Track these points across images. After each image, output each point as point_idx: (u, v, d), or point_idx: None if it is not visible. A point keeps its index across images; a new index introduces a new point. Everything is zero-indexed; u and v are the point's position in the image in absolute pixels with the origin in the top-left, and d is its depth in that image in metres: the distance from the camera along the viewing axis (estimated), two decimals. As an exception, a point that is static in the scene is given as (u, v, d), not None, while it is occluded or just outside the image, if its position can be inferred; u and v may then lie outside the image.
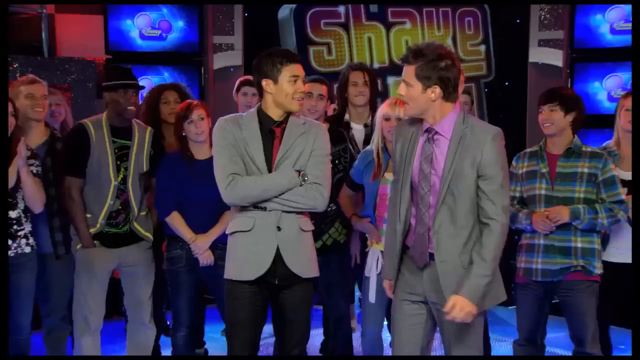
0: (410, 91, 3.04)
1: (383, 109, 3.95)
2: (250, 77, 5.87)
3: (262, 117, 3.38)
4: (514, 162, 3.97)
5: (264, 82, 3.33)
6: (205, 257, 4.03)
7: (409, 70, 3.03)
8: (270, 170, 3.30)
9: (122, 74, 4.10)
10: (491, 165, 2.98)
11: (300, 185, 3.27)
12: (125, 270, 4.15)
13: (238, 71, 7.47)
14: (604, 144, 4.24)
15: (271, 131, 3.35)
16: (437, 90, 3.01)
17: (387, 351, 4.34)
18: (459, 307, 2.96)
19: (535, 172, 3.85)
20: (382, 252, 3.87)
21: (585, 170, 3.74)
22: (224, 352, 4.69)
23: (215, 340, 5.22)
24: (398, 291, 3.24)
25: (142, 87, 4.21)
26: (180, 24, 7.23)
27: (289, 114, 3.39)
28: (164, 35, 7.23)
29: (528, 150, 3.98)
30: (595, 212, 3.68)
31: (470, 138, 3.00)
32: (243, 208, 3.32)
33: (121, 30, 7.17)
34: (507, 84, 7.61)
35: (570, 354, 4.04)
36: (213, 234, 4.02)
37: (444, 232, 3.04)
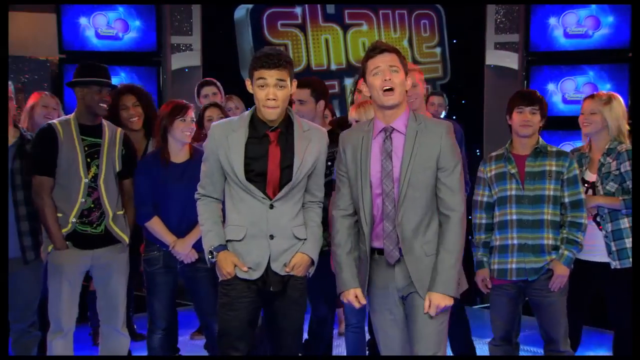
0: (398, 76, 3.13)
1: (351, 114, 4.01)
2: (208, 78, 5.87)
3: (255, 121, 3.29)
4: (480, 167, 4.03)
5: (247, 83, 3.28)
6: (189, 258, 3.99)
7: (392, 57, 3.15)
8: (246, 177, 3.21)
9: (98, 70, 4.01)
10: (450, 157, 3.12)
11: (211, 258, 3.30)
12: (99, 273, 4.06)
13: (196, 72, 7.39)
14: (576, 147, 4.35)
15: (265, 136, 3.26)
16: (409, 79, 3.20)
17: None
18: (435, 304, 3.09)
19: (504, 173, 3.91)
20: None
21: (554, 168, 3.84)
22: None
23: (184, 344, 5.14)
24: (373, 298, 3.27)
25: (115, 87, 4.11)
26: (137, 23, 7.10)
27: (286, 118, 3.30)
28: (120, 34, 7.10)
29: (493, 154, 4.04)
30: (574, 245, 3.80)
31: (425, 133, 3.13)
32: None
33: (76, 29, 7.00)
34: (459, 85, 7.70)
35: (541, 351, 4.10)
36: (191, 237, 3.97)
37: (407, 224, 3.13)
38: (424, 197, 3.13)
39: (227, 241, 3.30)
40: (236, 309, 3.26)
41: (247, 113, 3.34)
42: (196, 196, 3.41)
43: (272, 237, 3.25)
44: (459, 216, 3.12)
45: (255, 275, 3.26)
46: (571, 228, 3.82)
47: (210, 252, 3.29)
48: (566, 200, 3.83)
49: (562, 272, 3.78)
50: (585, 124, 4.17)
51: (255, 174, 3.24)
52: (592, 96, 4.25)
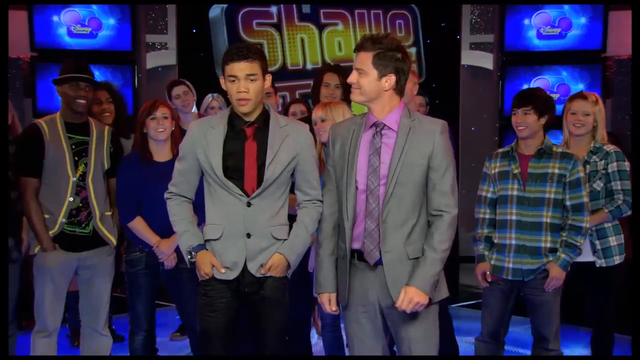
0: (364, 79, 3.03)
1: (317, 112, 3.99)
2: (177, 79, 5.83)
3: (233, 116, 3.27)
4: (486, 162, 4.01)
5: (221, 80, 3.25)
6: (170, 260, 3.96)
7: (364, 57, 3.01)
8: (225, 174, 3.18)
9: (74, 67, 3.97)
10: (442, 156, 3.01)
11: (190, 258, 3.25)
12: (84, 273, 4.00)
13: (171, 70, 7.34)
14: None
15: (242, 131, 3.23)
16: (392, 79, 3.03)
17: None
18: (409, 297, 2.95)
19: (507, 172, 3.90)
20: None
21: (556, 171, 3.81)
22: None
23: (164, 345, 5.10)
24: (351, 306, 3.15)
25: (97, 83, 4.07)
26: (112, 21, 7.03)
27: (264, 113, 3.28)
28: (94, 33, 7.02)
29: (500, 150, 4.02)
30: (572, 249, 3.80)
31: (419, 130, 3.02)
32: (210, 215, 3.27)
33: (48, 27, 6.92)
34: (434, 85, 7.72)
35: (525, 351, 4.11)
36: (176, 237, 3.93)
37: (391, 222, 3.02)
38: (412, 196, 3.03)
39: (206, 241, 3.27)
40: (216, 309, 3.24)
41: (227, 110, 3.33)
42: (167, 195, 3.36)
43: (249, 235, 3.21)
44: (449, 218, 2.99)
45: (232, 275, 3.22)
46: (571, 232, 3.80)
47: (189, 252, 3.26)
48: (567, 203, 3.80)
49: (557, 274, 3.78)
50: (578, 124, 4.10)
51: (232, 170, 3.21)
52: (583, 96, 4.18)
